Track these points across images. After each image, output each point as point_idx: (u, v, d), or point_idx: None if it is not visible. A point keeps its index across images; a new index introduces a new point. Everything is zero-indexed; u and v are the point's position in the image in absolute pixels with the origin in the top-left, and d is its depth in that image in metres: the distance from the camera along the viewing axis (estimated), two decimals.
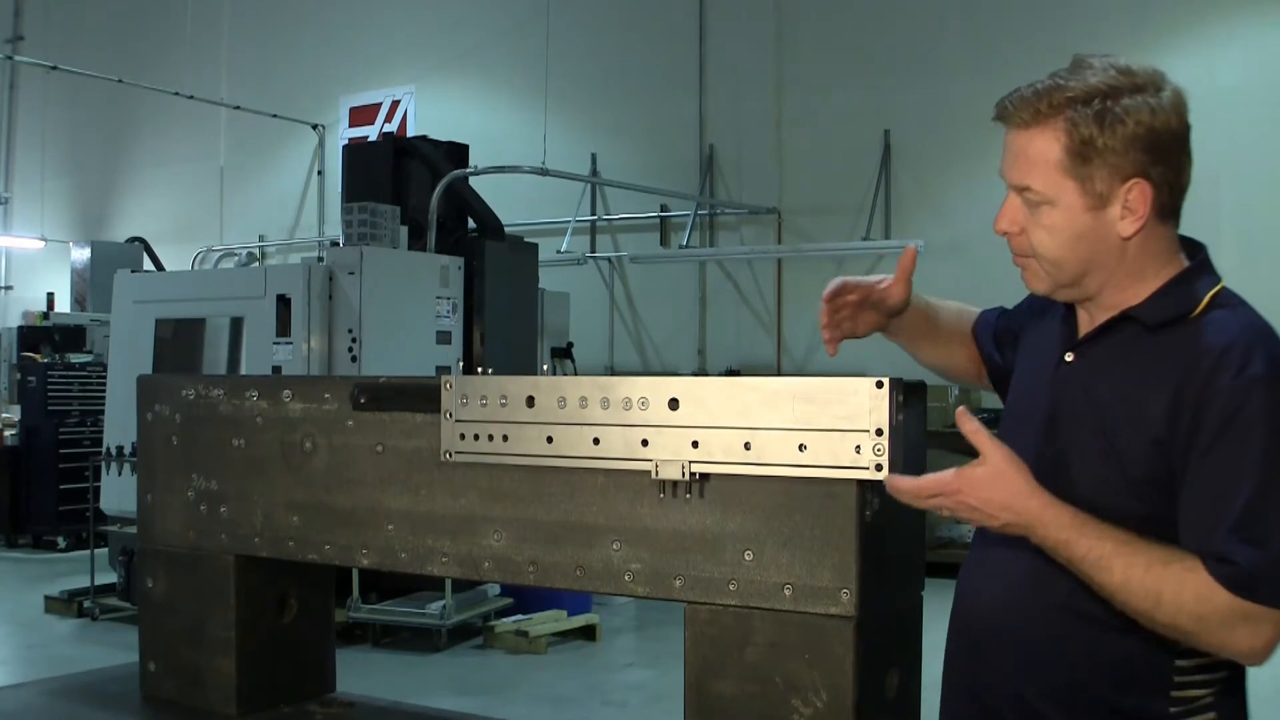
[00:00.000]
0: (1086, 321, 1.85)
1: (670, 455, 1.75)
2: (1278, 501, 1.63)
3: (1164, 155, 1.73)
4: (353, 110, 14.97)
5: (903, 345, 2.16)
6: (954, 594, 1.98)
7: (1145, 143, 1.71)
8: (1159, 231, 1.78)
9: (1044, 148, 1.73)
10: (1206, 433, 1.66)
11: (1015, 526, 1.69)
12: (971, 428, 1.68)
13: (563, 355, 10.61)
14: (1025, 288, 1.88)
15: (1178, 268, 1.80)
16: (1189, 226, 1.85)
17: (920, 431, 1.74)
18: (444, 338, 8.15)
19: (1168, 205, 1.76)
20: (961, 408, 1.69)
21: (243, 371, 7.57)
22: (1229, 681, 1.79)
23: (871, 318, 2.05)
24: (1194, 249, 1.84)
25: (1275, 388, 1.66)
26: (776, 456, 1.68)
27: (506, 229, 9.11)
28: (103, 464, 8.09)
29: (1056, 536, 1.68)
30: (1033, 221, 1.77)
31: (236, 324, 7.88)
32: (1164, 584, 1.64)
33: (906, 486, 1.64)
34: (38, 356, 11.77)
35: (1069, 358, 1.85)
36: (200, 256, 14.82)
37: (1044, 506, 1.68)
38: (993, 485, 1.67)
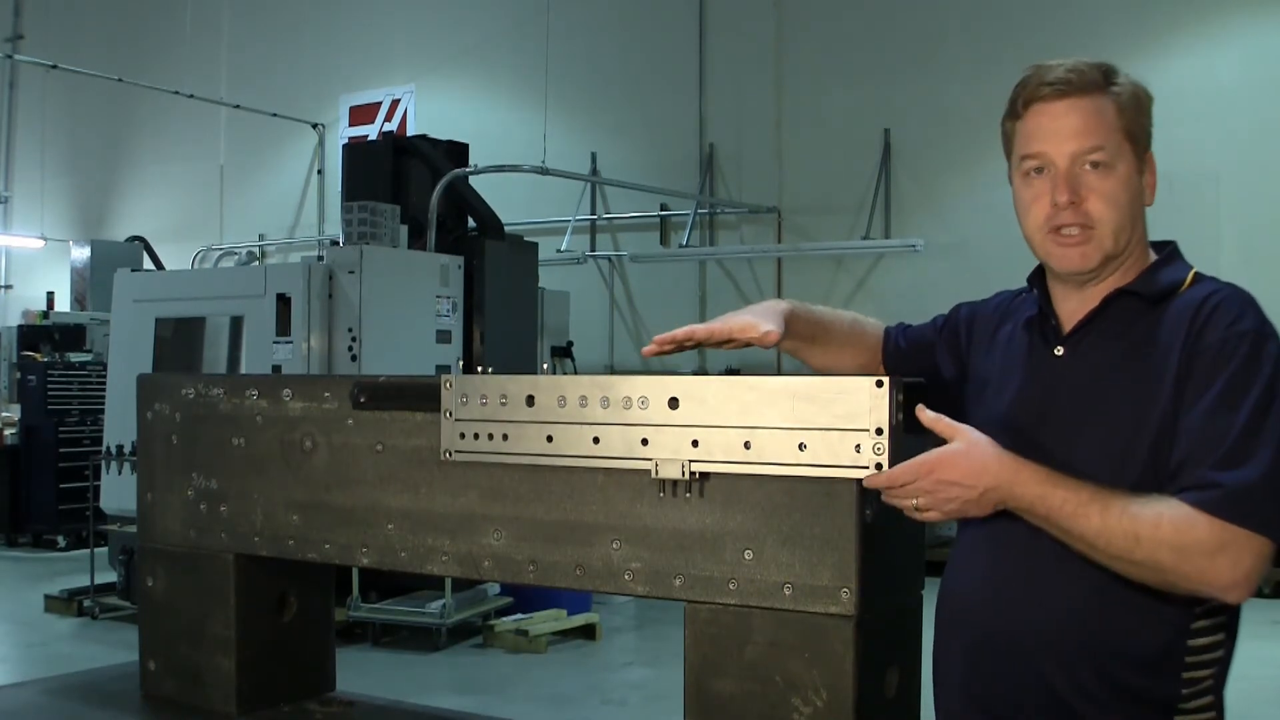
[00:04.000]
0: (1072, 312, 1.89)
1: (670, 454, 1.75)
2: (1264, 439, 1.67)
3: None
4: (353, 109, 14.98)
5: (787, 351, 2.15)
6: (942, 601, 1.98)
7: (1151, 119, 1.86)
8: None
9: (1106, 110, 1.83)
10: (1198, 381, 1.72)
11: (995, 492, 1.71)
12: (931, 417, 1.70)
13: (563, 354, 10.61)
14: (1071, 267, 1.85)
15: (1151, 255, 1.90)
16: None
17: (920, 430, 1.74)
18: (444, 337, 8.15)
19: None
20: (920, 404, 1.70)
21: (243, 370, 7.56)
22: (1224, 663, 1.82)
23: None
24: (1161, 247, 1.93)
25: (1264, 340, 1.73)
26: (776, 455, 1.68)
27: (506, 228, 9.11)
28: (102, 463, 8.09)
29: (1034, 492, 1.71)
30: (1092, 187, 1.82)
31: (236, 323, 7.88)
32: (1140, 523, 1.66)
33: (881, 481, 1.64)
34: (38, 355, 11.76)
35: (1059, 352, 1.89)
36: (200, 255, 14.81)
37: (1018, 465, 1.72)
38: (968, 455, 1.70)
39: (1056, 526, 1.72)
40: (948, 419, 1.71)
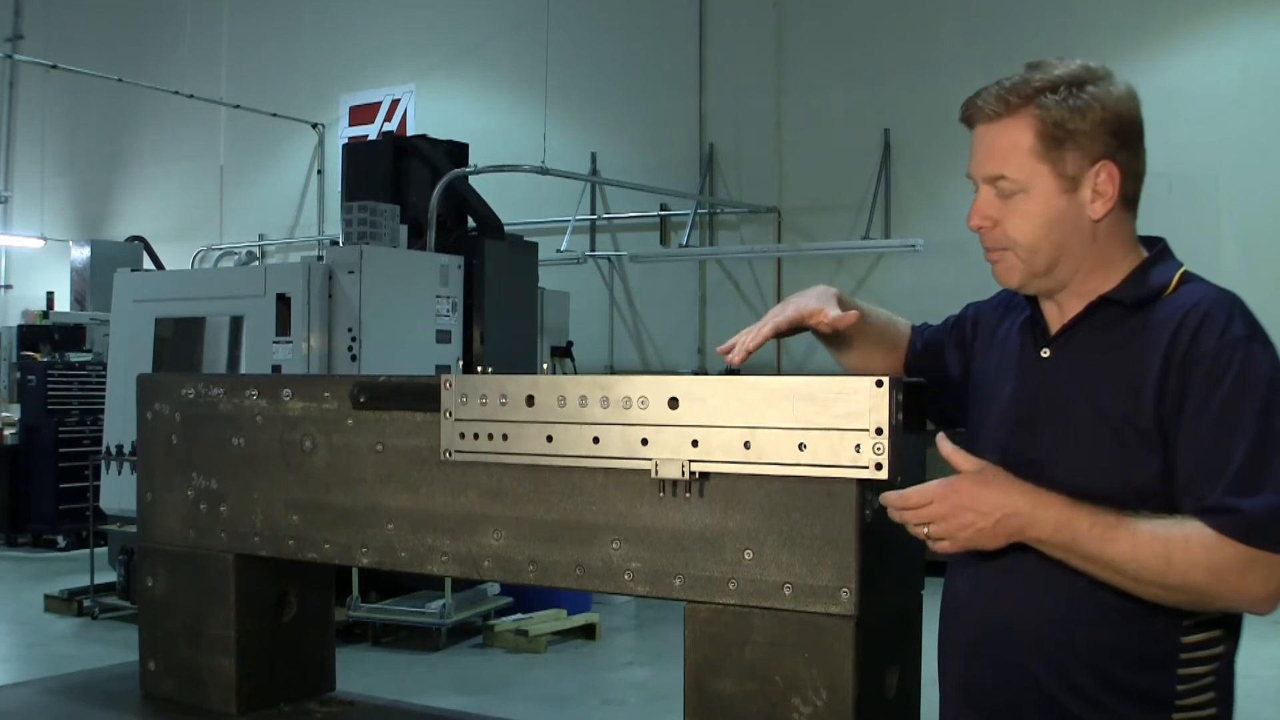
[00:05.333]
0: (1057, 316, 1.90)
1: (670, 454, 1.75)
2: (1274, 456, 1.68)
3: (1127, 141, 1.82)
4: (352, 109, 14.97)
5: (825, 344, 2.15)
6: (944, 600, 1.98)
7: (1111, 126, 1.80)
8: (1123, 219, 1.85)
9: (1016, 136, 1.80)
10: (1196, 393, 1.71)
11: (1010, 520, 1.70)
12: (949, 449, 1.72)
13: (562, 354, 10.60)
14: (1002, 283, 1.90)
15: (1140, 256, 1.88)
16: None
17: (920, 430, 1.74)
18: (444, 337, 8.15)
19: (1130, 192, 1.84)
20: (942, 433, 1.73)
21: (242, 370, 7.56)
22: (1225, 659, 1.82)
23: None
24: (1151, 242, 1.91)
25: (1258, 346, 1.72)
26: (776, 455, 1.68)
27: (506, 228, 9.10)
28: (102, 463, 8.10)
29: (1056, 519, 1.70)
30: (1007, 211, 1.83)
31: (236, 323, 7.88)
32: (1171, 545, 1.67)
33: (893, 499, 1.67)
34: (37, 355, 11.76)
35: (1045, 354, 1.89)
36: (200, 255, 14.81)
37: (1036, 492, 1.72)
38: (984, 481, 1.71)
39: (1080, 553, 1.71)
40: (964, 453, 1.73)
